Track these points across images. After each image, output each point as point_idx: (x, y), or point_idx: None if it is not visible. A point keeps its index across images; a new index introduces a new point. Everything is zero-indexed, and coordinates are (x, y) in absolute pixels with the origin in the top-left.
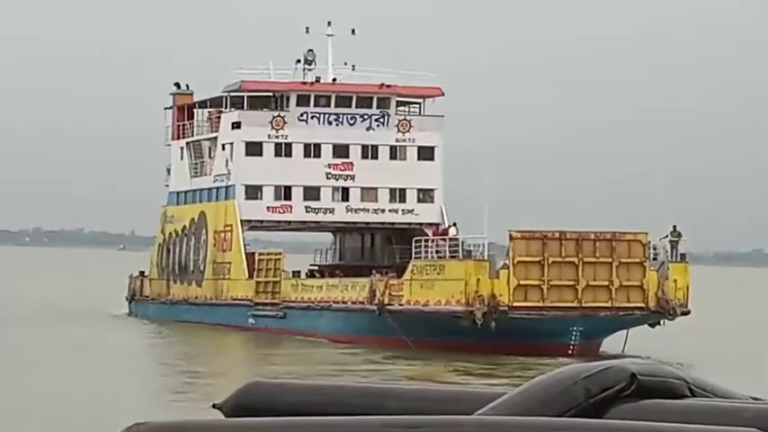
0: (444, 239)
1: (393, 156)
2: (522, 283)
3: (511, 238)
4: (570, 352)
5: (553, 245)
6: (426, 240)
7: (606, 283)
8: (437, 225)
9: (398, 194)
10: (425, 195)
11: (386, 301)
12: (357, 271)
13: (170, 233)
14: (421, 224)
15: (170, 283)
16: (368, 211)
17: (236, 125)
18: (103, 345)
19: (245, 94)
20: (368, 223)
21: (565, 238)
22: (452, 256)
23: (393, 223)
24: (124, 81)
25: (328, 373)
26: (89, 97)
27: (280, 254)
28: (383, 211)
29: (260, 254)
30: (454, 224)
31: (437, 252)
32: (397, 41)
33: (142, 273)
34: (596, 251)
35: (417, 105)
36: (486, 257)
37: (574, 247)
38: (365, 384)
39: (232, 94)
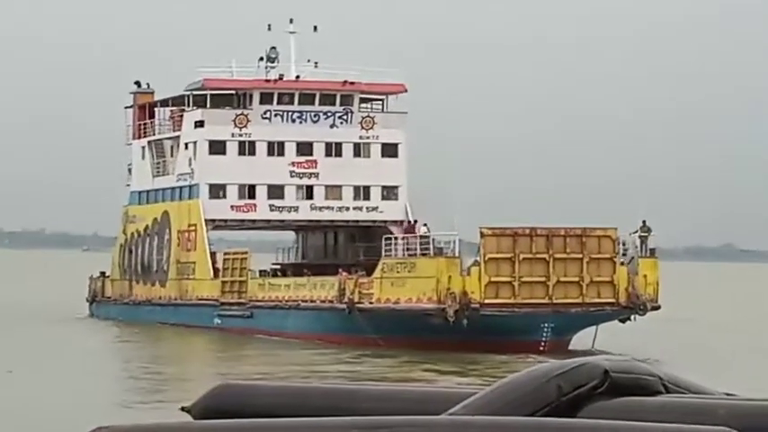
0: (415, 237)
1: (357, 153)
2: (493, 279)
3: (482, 234)
4: (542, 348)
5: (523, 241)
6: (396, 238)
7: (577, 278)
8: (406, 222)
9: (362, 192)
10: (389, 193)
11: (356, 300)
12: (320, 269)
13: (132, 233)
14: (385, 221)
15: (132, 284)
16: (332, 209)
17: (200, 124)
18: (67, 347)
19: (208, 93)
20: (332, 221)
21: (535, 234)
22: (423, 254)
23: (357, 221)
24: (84, 79)
25: (297, 374)
26: (49, 95)
27: (246, 253)
28: (347, 208)
29: (225, 253)
30: (425, 224)
31: (407, 250)
32: (361, 38)
33: (103, 273)
34: (566, 247)
35: (380, 102)
36: (457, 255)
37: (544, 243)
38: (334, 385)
39: (194, 92)
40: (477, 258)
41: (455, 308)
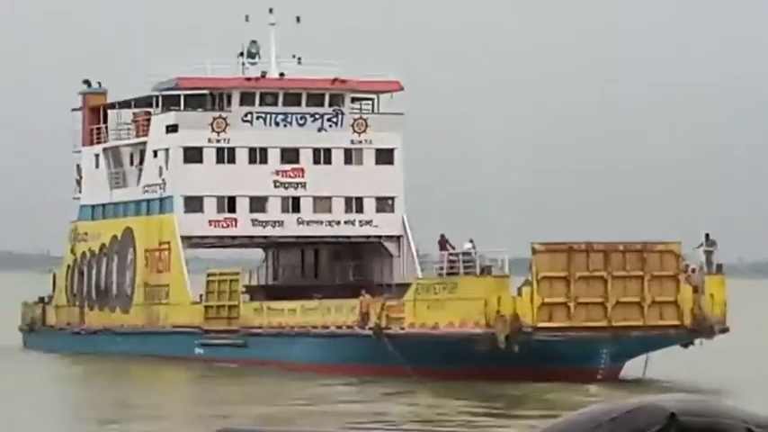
0: (455, 254)
1: (348, 160)
2: (546, 301)
3: (534, 251)
4: (599, 377)
5: (579, 258)
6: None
7: (637, 299)
8: (442, 240)
9: (355, 204)
10: (384, 204)
11: (383, 325)
12: (297, 292)
13: (83, 252)
14: (380, 237)
15: (85, 311)
16: (321, 223)
17: (172, 128)
18: (3, 389)
19: (182, 93)
20: (321, 237)
21: (592, 249)
22: (467, 273)
23: (349, 236)
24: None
25: (309, 415)
26: None
27: (237, 274)
28: (338, 222)
29: (210, 274)
30: (470, 240)
31: (450, 268)
32: (348, 30)
33: (42, 299)
34: (626, 264)
35: (370, 102)
36: (506, 273)
37: (602, 259)
38: (356, 429)
39: (165, 92)
40: (528, 277)
41: (506, 332)
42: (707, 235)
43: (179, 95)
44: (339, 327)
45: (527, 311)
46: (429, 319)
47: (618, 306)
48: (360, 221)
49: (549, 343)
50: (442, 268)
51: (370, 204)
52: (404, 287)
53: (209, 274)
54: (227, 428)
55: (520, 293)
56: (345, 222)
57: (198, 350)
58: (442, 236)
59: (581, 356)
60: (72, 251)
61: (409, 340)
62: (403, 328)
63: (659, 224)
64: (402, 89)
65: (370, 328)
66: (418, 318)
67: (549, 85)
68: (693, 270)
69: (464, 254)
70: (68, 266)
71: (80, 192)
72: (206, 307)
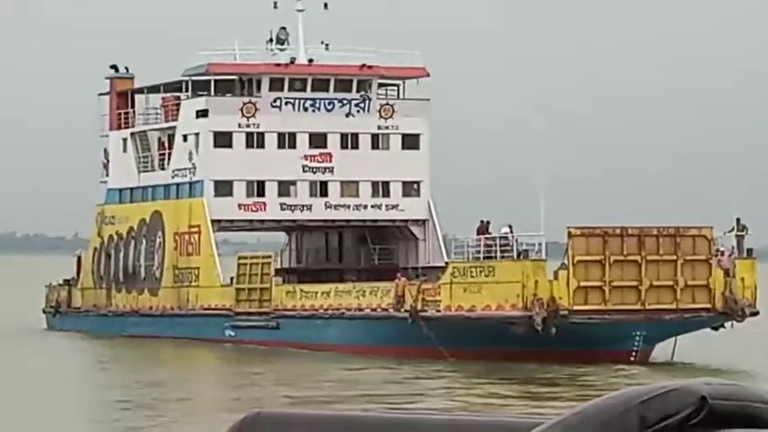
0: (492, 238)
1: (375, 145)
2: (582, 284)
3: (570, 235)
4: (633, 359)
5: (614, 242)
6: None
7: (671, 282)
8: (482, 226)
9: (381, 188)
10: (410, 188)
11: (419, 308)
12: (322, 275)
13: (110, 236)
14: (406, 221)
15: (111, 293)
16: (348, 207)
17: (202, 113)
18: (37, 370)
19: (212, 78)
20: (348, 221)
21: (626, 234)
22: (504, 257)
23: (375, 220)
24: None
25: (343, 398)
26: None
27: (269, 257)
28: (365, 206)
29: (241, 257)
30: (509, 225)
31: (486, 252)
32: (375, 16)
33: (67, 281)
34: (660, 248)
35: (396, 88)
36: (544, 257)
37: (636, 243)
38: (390, 414)
39: (194, 78)
40: (565, 261)
41: (543, 315)
42: (738, 219)
43: (209, 81)
44: (374, 309)
45: (563, 295)
46: (465, 301)
47: (651, 289)
48: (386, 205)
49: (585, 325)
50: (478, 252)
51: (396, 188)
52: (429, 271)
53: (240, 257)
54: (260, 411)
55: (556, 277)
56: (372, 206)
57: (228, 332)
58: (485, 222)
59: (616, 339)
60: (99, 234)
61: (445, 323)
62: (439, 311)
63: (687, 211)
64: (428, 75)
65: (405, 311)
66: (455, 300)
67: (546, 87)
68: (723, 253)
69: (501, 238)
70: (95, 249)
71: (107, 175)
72: (237, 289)
